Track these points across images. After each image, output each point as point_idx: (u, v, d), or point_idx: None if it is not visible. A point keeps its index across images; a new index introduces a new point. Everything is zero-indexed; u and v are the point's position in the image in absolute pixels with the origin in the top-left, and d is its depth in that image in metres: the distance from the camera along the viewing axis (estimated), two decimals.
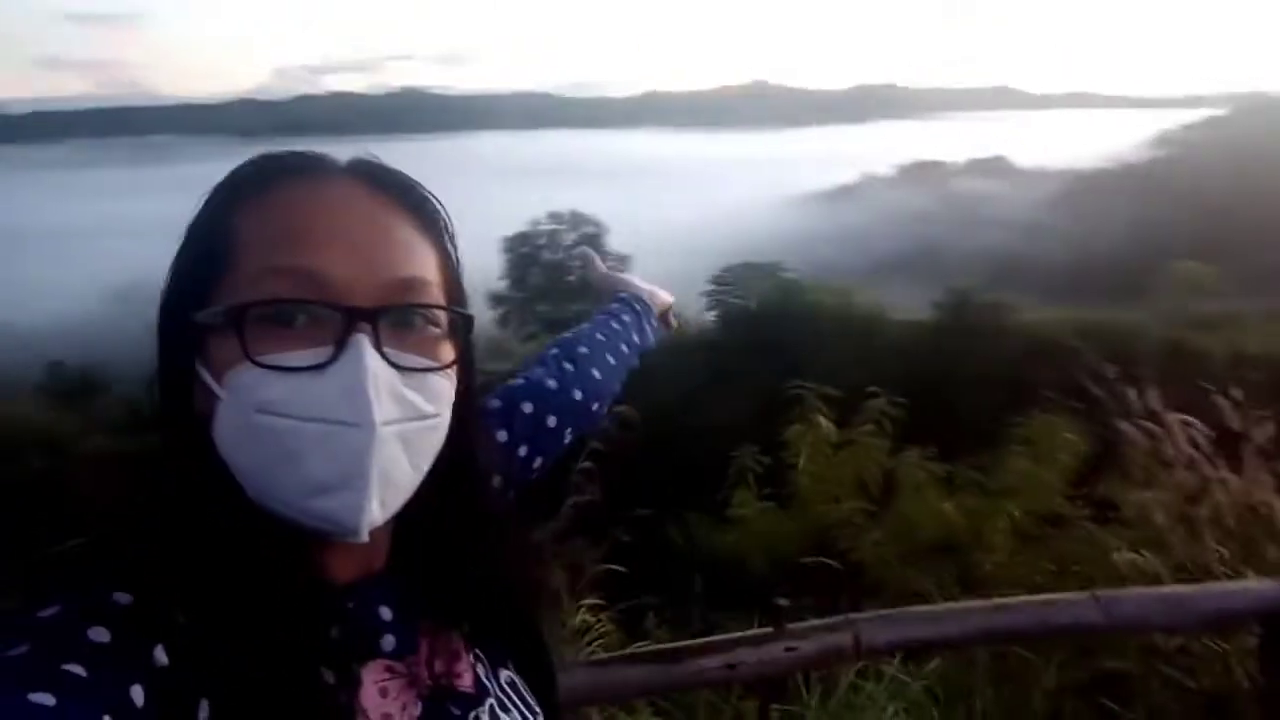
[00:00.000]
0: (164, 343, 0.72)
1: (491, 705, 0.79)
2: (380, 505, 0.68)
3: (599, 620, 3.28)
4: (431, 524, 0.79)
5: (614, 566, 3.43)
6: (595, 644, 3.28)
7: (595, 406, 1.16)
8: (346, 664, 0.70)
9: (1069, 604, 2.29)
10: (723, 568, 4.82)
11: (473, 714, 0.77)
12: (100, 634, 0.59)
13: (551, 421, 1.09)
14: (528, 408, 1.08)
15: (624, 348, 1.24)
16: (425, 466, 0.73)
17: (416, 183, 0.78)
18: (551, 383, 1.12)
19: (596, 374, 1.17)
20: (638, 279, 1.37)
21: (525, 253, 34.67)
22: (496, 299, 35.43)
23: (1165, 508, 2.93)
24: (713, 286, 27.30)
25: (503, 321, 35.47)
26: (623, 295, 1.32)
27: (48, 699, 0.54)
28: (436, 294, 0.73)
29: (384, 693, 0.72)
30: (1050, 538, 4.33)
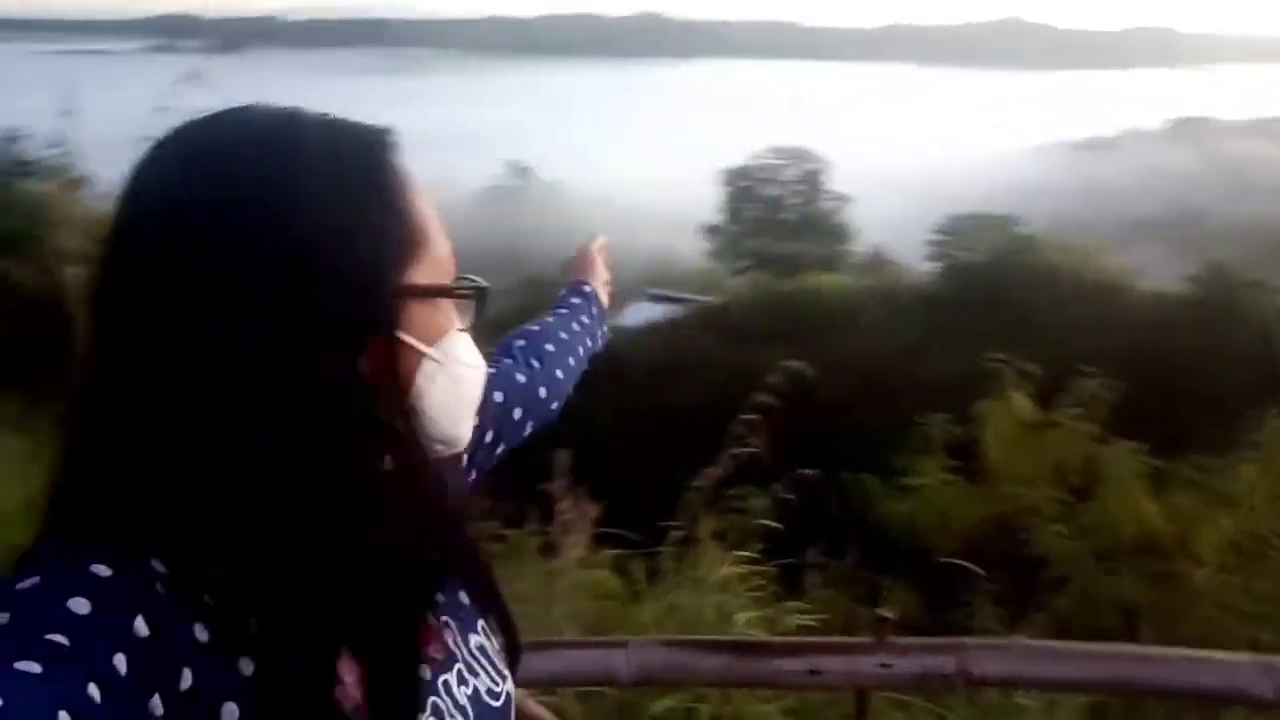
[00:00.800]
0: (348, 310, 0.70)
1: (459, 670, 0.82)
2: None
3: (750, 573, 3.23)
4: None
5: (769, 523, 3.35)
6: (748, 594, 3.25)
7: (554, 406, 1.22)
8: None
9: (1231, 666, 1.87)
10: (895, 536, 4.64)
11: (440, 679, 0.80)
12: (81, 605, 0.59)
13: (518, 414, 1.14)
14: (498, 396, 1.11)
15: (582, 350, 1.29)
16: None
17: None
18: (521, 377, 1.17)
19: (559, 374, 1.23)
20: (603, 269, 1.42)
21: (744, 186, 34.27)
22: (710, 231, 35.33)
23: None
24: (937, 236, 25.95)
25: (716, 255, 35.42)
26: (585, 290, 1.37)
27: (33, 667, 0.55)
28: None
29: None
30: (1273, 560, 3.86)
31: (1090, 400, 4.55)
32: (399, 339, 0.74)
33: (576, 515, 3.53)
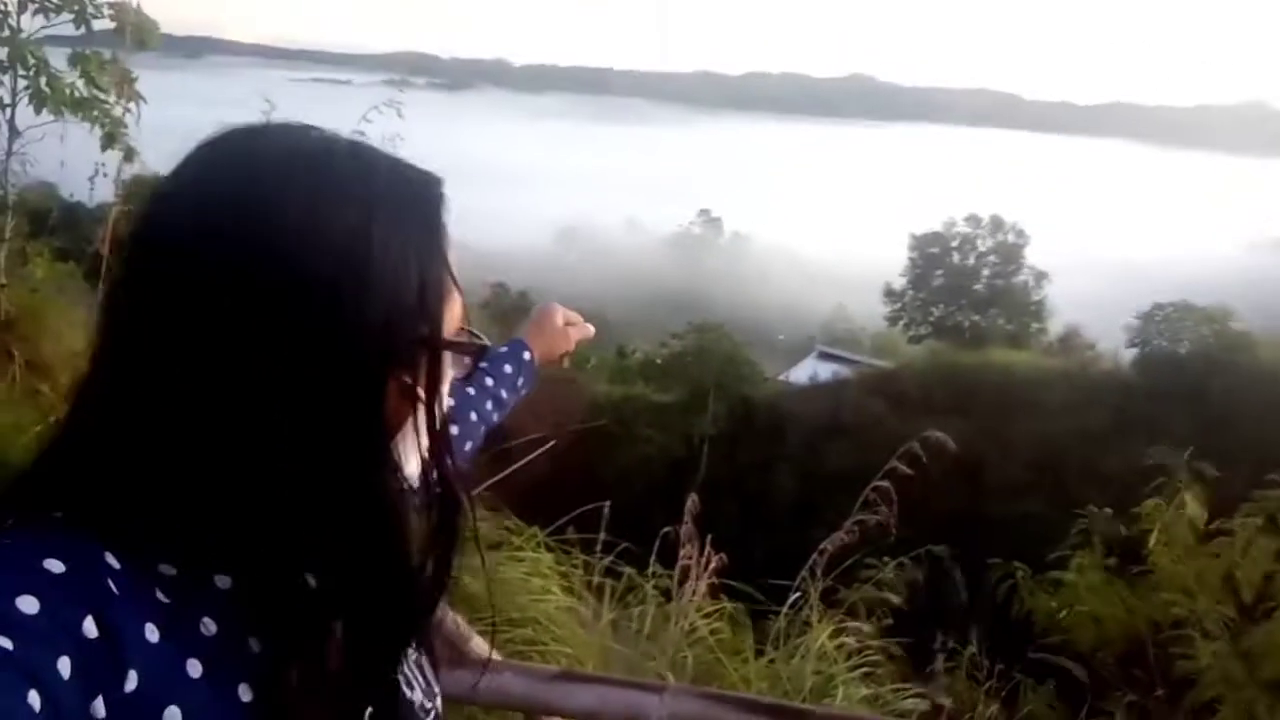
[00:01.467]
0: (369, 354, 0.69)
1: (401, 680, 0.81)
2: None
3: (865, 646, 3.12)
4: None
5: (892, 597, 3.23)
6: (858, 670, 3.14)
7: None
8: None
9: None
10: (1038, 631, 4.35)
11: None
12: (29, 604, 0.58)
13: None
14: None
15: (481, 430, 1.28)
16: None
17: None
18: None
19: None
20: (558, 314, 1.42)
21: (933, 253, 33.31)
22: (891, 294, 34.43)
23: None
24: (1138, 322, 24.34)
25: (893, 319, 34.44)
26: (518, 341, 1.37)
27: None
28: None
29: None
30: None
31: (1277, 510, 4.13)
32: (408, 383, 0.72)
33: (698, 562, 3.51)
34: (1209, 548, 4.21)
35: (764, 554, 3.58)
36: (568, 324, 1.44)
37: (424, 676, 0.86)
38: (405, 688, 0.82)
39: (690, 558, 3.49)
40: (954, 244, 33.47)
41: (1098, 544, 4.66)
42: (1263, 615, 3.94)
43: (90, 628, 0.59)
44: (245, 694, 0.66)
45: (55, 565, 0.61)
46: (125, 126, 4.42)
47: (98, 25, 4.47)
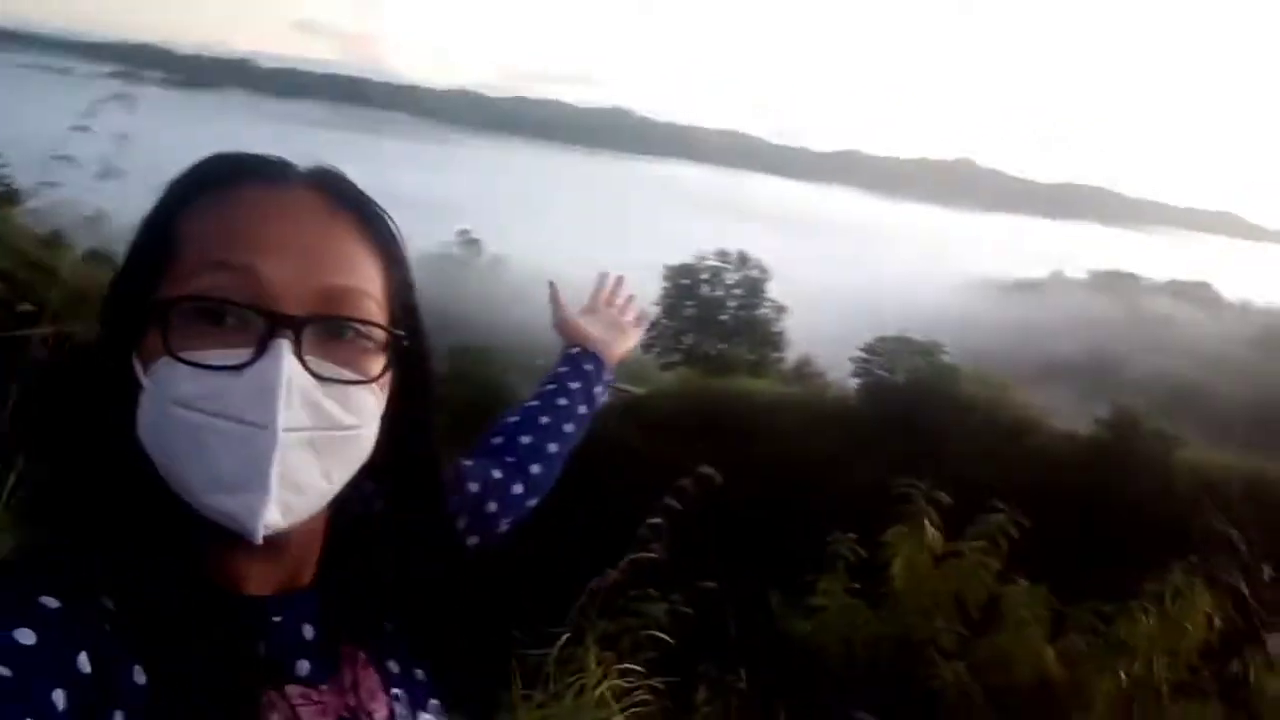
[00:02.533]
0: (106, 327, 0.73)
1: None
2: (283, 510, 0.68)
3: (637, 686, 3.07)
4: (368, 541, 0.79)
5: (662, 635, 3.21)
6: (629, 711, 3.08)
7: (530, 502, 1.16)
8: (261, 685, 0.69)
9: None
10: (793, 655, 4.52)
11: None
12: (26, 636, 0.59)
13: (491, 507, 1.09)
14: (474, 488, 1.07)
15: (567, 428, 1.22)
16: (342, 478, 0.72)
17: (371, 200, 0.78)
18: (497, 472, 1.12)
19: (534, 469, 1.16)
20: (594, 325, 1.38)
21: (685, 284, 34.76)
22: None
23: None
24: (863, 354, 26.52)
25: (646, 346, 35.60)
26: (573, 353, 1.31)
27: None
28: (374, 309, 0.73)
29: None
30: (1164, 712, 3.84)
31: (997, 534, 4.54)
32: (131, 359, 0.71)
33: None
34: (941, 570, 4.55)
35: (530, 593, 3.45)
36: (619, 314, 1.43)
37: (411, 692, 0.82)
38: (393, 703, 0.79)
39: None
40: (704, 276, 35.08)
41: (841, 568, 4.91)
42: (989, 631, 4.31)
43: (84, 663, 0.60)
44: None
45: (51, 601, 0.62)
46: None
47: None
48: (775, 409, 22.21)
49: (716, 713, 3.82)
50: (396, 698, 0.79)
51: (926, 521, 4.46)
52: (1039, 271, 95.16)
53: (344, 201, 0.75)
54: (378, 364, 0.73)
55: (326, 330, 0.70)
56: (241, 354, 0.67)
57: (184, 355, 0.67)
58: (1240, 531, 3.94)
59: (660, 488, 3.59)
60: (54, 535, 0.68)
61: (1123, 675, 3.95)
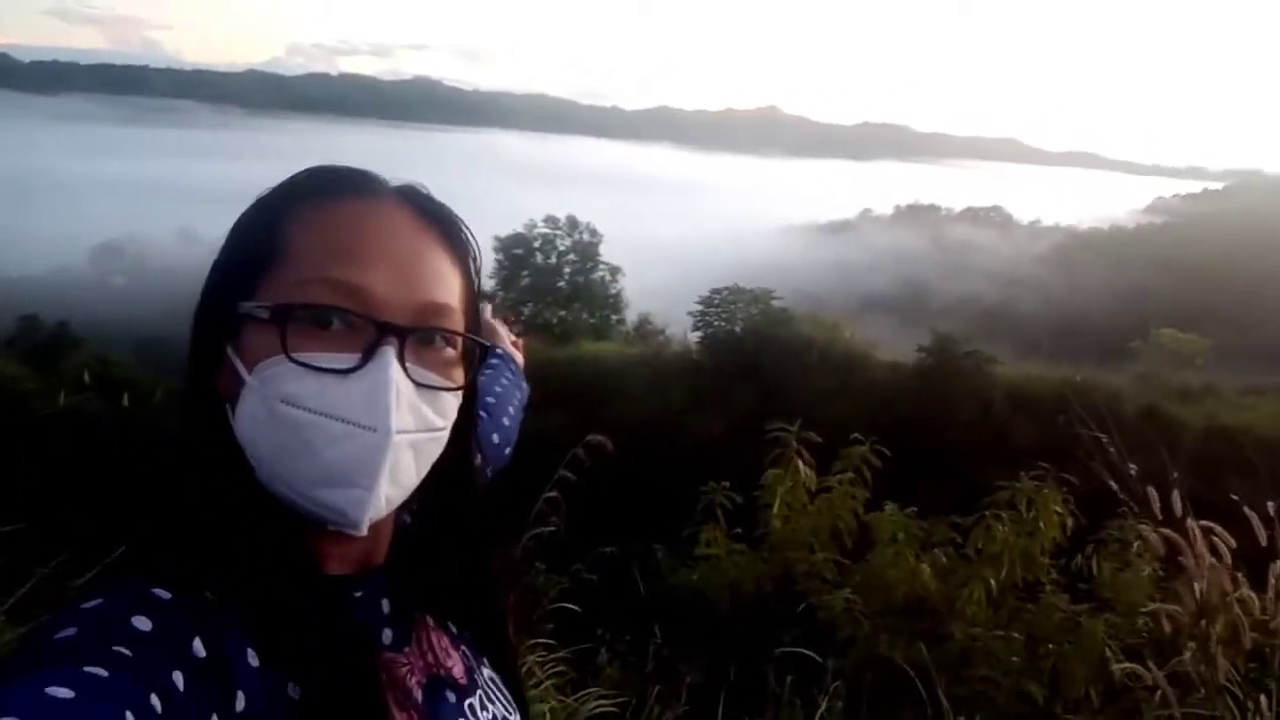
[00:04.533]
0: (200, 326, 0.78)
1: (480, 695, 0.86)
2: (385, 502, 0.75)
3: (548, 661, 3.08)
4: (433, 525, 0.88)
5: (568, 605, 3.22)
6: (544, 685, 3.09)
7: (506, 451, 1.31)
8: (370, 653, 0.75)
9: None
10: (685, 607, 4.63)
11: (466, 703, 0.84)
12: (143, 623, 0.63)
13: (476, 459, 1.13)
14: None
15: (513, 405, 1.37)
16: (425, 471, 0.79)
17: (456, 215, 0.84)
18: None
19: (505, 421, 1.31)
20: (506, 335, 1.50)
21: (518, 254, 34.38)
22: (482, 296, 34.93)
23: (1173, 617, 2.73)
24: (700, 307, 27.08)
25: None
26: (499, 352, 1.44)
27: (100, 671, 0.58)
28: (459, 320, 0.80)
29: (387, 682, 0.77)
30: (1027, 613, 4.16)
31: (860, 465, 4.77)
32: (229, 356, 0.75)
33: None
34: (815, 505, 4.75)
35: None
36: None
37: (499, 692, 0.90)
38: (488, 701, 0.86)
39: None
40: (536, 245, 34.77)
41: (719, 517, 5.04)
42: (864, 558, 4.55)
43: (199, 648, 0.64)
44: None
45: (163, 593, 0.66)
46: None
47: None
48: (622, 370, 22.45)
49: (620, 674, 3.87)
50: (465, 654, 0.88)
51: (799, 461, 4.63)
52: (849, 212, 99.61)
53: (430, 217, 0.81)
54: (459, 370, 0.80)
55: (421, 339, 0.76)
56: (348, 359, 0.73)
57: (297, 356, 0.72)
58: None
59: (522, 460, 3.56)
60: (158, 531, 0.72)
61: (990, 582, 4.24)
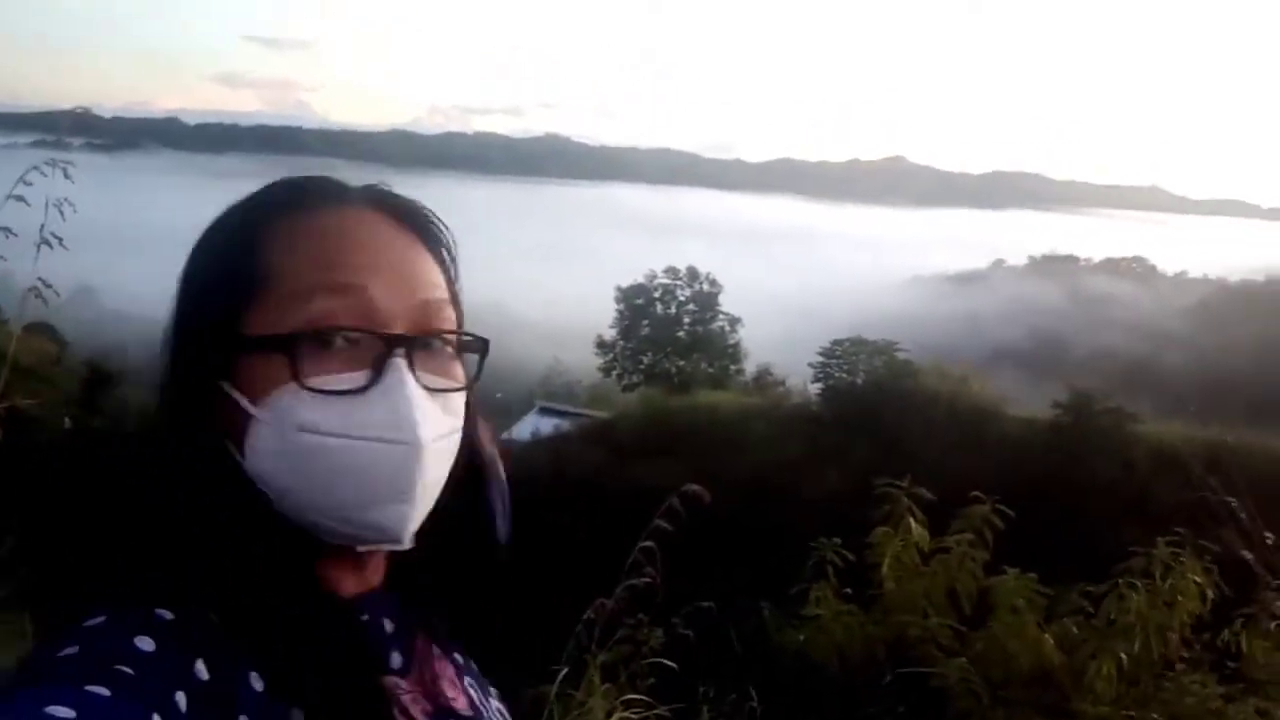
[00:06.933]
0: (180, 359, 0.75)
1: None
2: (420, 513, 0.74)
3: (647, 718, 2.99)
4: (440, 534, 0.82)
5: (665, 661, 3.14)
6: None
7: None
8: (379, 678, 0.74)
9: None
10: (789, 669, 4.46)
11: None
12: (145, 643, 0.62)
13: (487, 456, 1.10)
14: None
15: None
16: (445, 476, 0.77)
17: (424, 206, 0.82)
18: None
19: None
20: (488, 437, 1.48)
21: (638, 304, 34.79)
22: (603, 346, 35.52)
23: None
24: (821, 358, 26.69)
25: (606, 369, 35.51)
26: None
27: (102, 690, 0.58)
28: (451, 314, 0.78)
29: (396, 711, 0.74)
30: (1164, 692, 3.84)
31: (981, 526, 4.53)
32: (226, 390, 0.72)
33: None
34: (931, 567, 4.53)
35: (518, 628, 3.36)
36: None
37: None
38: None
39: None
40: (656, 295, 35.13)
41: (830, 574, 4.86)
42: (983, 624, 4.29)
43: (201, 670, 0.63)
44: None
45: (166, 613, 0.65)
46: None
47: None
48: (741, 421, 22.24)
49: None
50: (471, 685, 0.85)
51: (911, 519, 4.43)
52: (980, 262, 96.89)
53: (402, 215, 0.79)
54: (458, 365, 0.78)
55: (423, 343, 0.75)
56: (359, 376, 0.71)
57: (308, 383, 0.70)
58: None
59: (634, 511, 3.52)
60: (160, 553, 0.69)
61: (1122, 656, 3.94)
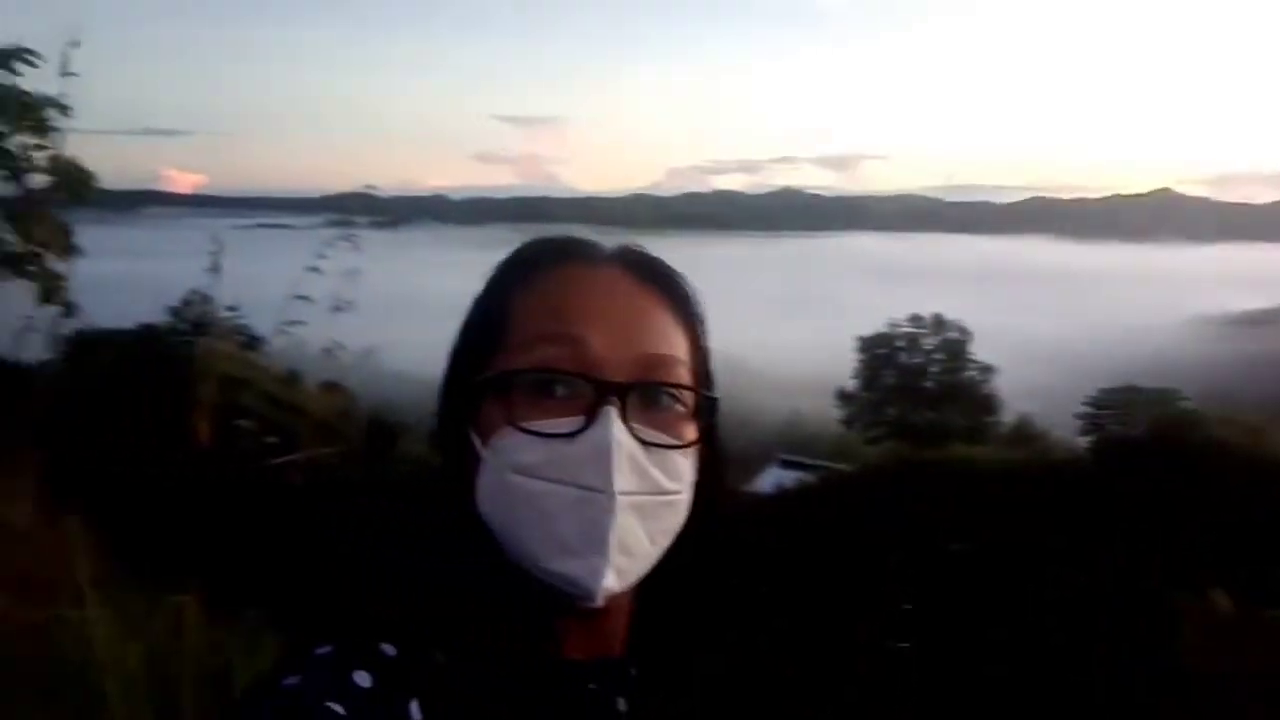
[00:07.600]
0: (444, 406, 0.79)
1: None
2: (617, 574, 0.70)
3: None
4: (675, 610, 0.81)
5: None
6: None
7: None
8: None
9: None
10: None
11: None
12: (364, 679, 0.63)
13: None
14: None
15: None
16: (663, 543, 0.74)
17: (675, 272, 0.82)
18: None
19: None
20: None
21: (881, 353, 33.78)
22: (844, 397, 34.70)
23: None
24: (1088, 408, 24.70)
25: (848, 422, 34.60)
26: None
27: None
28: (685, 375, 0.77)
29: None
30: None
31: None
32: (468, 433, 0.75)
33: None
34: (1236, 639, 3.99)
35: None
36: None
37: None
38: None
39: None
40: (900, 344, 34.01)
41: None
42: None
43: (415, 712, 0.64)
44: None
45: (388, 649, 0.66)
46: (63, 281, 4.19)
47: (32, 180, 4.28)
48: (1005, 476, 20.90)
49: None
50: None
51: (1217, 589, 3.94)
52: (1270, 300, 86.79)
53: (649, 276, 0.80)
54: (690, 428, 0.76)
55: (646, 398, 0.74)
56: (573, 422, 0.71)
57: (523, 425, 0.71)
58: None
59: (880, 566, 3.33)
60: (396, 592, 0.70)
61: None
